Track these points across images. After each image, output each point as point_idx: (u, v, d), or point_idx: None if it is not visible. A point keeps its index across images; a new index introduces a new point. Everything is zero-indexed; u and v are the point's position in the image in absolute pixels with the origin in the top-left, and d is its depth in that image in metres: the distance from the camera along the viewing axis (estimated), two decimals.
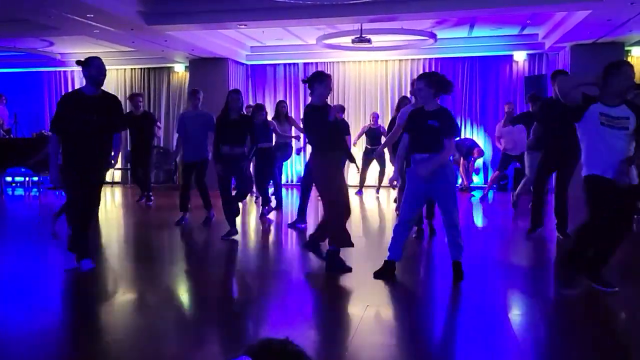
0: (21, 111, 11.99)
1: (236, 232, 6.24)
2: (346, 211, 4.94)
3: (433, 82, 4.48)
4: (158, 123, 9.38)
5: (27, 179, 11.65)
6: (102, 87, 4.80)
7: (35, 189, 11.50)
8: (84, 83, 4.75)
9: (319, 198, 5.25)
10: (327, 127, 4.80)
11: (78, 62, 4.78)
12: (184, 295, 4.48)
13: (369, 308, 3.90)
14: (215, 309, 4.01)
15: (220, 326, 3.67)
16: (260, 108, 8.16)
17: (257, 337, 3.61)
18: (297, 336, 3.43)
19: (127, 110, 8.99)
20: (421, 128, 4.47)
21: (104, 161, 4.88)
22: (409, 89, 11.78)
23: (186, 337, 3.50)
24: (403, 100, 7.02)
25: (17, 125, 11.36)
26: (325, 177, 4.87)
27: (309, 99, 5.04)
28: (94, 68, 4.66)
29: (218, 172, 6.26)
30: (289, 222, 7.19)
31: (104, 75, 4.74)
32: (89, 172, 4.72)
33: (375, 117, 10.56)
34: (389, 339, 3.45)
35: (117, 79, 13.13)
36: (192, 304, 4.24)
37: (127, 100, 9.32)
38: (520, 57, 11.35)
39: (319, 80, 4.84)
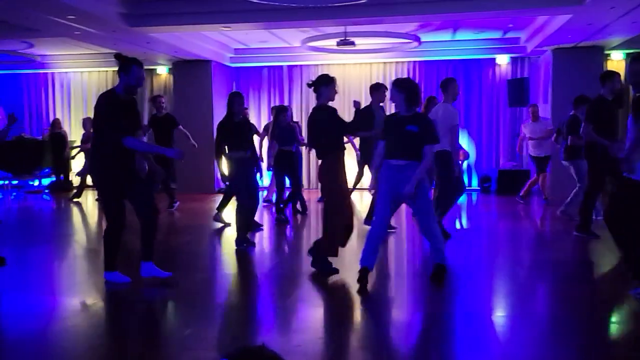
0: None
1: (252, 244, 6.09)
2: (347, 217, 4.93)
3: (404, 87, 4.45)
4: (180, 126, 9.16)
5: (6, 182, 11.47)
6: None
7: (14, 193, 11.32)
8: (117, 83, 4.44)
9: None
10: (335, 128, 4.85)
11: (117, 57, 4.42)
12: (175, 300, 4.43)
13: (355, 309, 3.89)
14: (197, 314, 3.96)
15: (201, 331, 3.63)
16: (284, 109, 7.91)
17: (235, 343, 3.59)
18: (286, 339, 3.41)
19: (152, 113, 8.90)
20: (399, 133, 4.40)
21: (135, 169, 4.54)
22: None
23: (171, 341, 3.46)
24: (432, 100, 7.13)
25: None
26: (328, 179, 4.85)
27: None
28: (132, 77, 4.33)
29: (224, 180, 6.16)
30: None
31: (141, 86, 4.47)
32: (132, 183, 4.44)
33: None
34: (375, 341, 3.44)
35: (99, 81, 12.99)
36: (178, 308, 4.19)
37: (150, 102, 9.12)
38: (502, 60, 11.46)
39: (325, 83, 4.87)
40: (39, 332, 3.63)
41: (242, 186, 5.99)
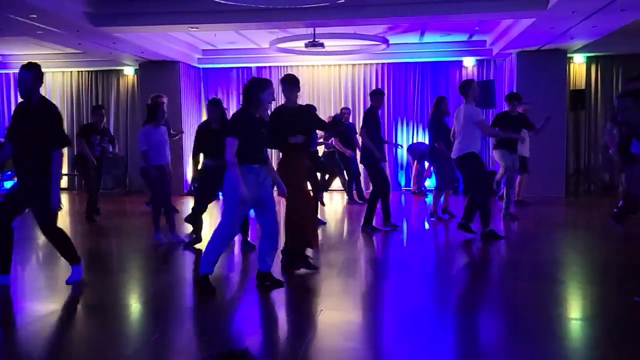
0: None
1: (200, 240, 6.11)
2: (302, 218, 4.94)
3: (245, 88, 4.35)
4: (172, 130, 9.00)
5: None
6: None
7: None
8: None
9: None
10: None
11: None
12: (141, 304, 4.35)
13: (323, 312, 3.89)
14: (168, 318, 3.91)
15: (175, 335, 3.58)
16: None
17: (213, 346, 3.54)
18: (253, 342, 3.39)
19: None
20: (259, 136, 4.28)
21: (33, 179, 4.29)
22: (362, 93, 11.96)
23: (138, 347, 3.40)
24: (442, 101, 7.59)
25: None
26: (289, 182, 4.80)
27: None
28: (18, 79, 4.40)
29: (196, 188, 6.18)
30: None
31: (21, 89, 4.36)
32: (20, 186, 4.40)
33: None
34: (344, 343, 3.44)
35: (64, 82, 12.69)
36: (144, 313, 4.12)
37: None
38: (469, 62, 11.65)
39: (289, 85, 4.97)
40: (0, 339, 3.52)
41: (203, 193, 6.01)
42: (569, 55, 10.83)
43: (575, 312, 4.10)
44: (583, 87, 11.13)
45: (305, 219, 4.96)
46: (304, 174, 5.09)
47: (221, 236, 4.28)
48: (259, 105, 4.27)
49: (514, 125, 7.57)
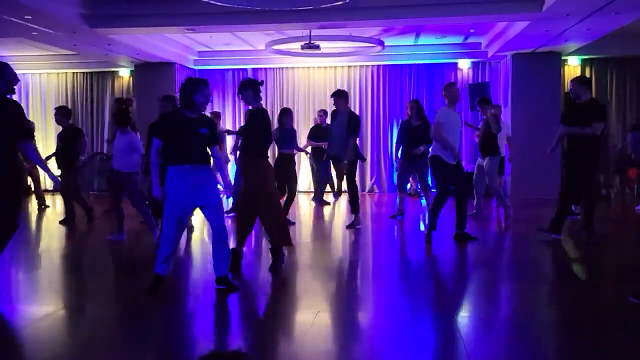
0: None
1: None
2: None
3: (181, 88, 4.25)
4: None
5: None
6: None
7: None
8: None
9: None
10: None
11: None
12: (134, 305, 4.34)
13: (320, 314, 3.89)
14: (159, 320, 3.90)
15: (165, 337, 3.58)
16: (288, 112, 7.73)
17: (205, 349, 3.53)
18: (249, 345, 3.38)
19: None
20: (191, 136, 4.15)
21: None
22: (357, 95, 11.98)
23: (132, 350, 3.39)
24: (409, 104, 7.96)
25: None
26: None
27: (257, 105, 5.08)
28: None
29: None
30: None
31: None
32: None
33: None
34: (339, 345, 3.44)
35: (59, 83, 12.66)
36: (139, 315, 4.11)
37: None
38: (464, 64, 11.69)
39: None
40: None
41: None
42: (563, 57, 10.88)
43: (568, 313, 4.11)
44: None
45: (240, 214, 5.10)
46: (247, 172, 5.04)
47: (161, 237, 4.31)
48: (193, 106, 4.21)
49: (483, 128, 7.92)
